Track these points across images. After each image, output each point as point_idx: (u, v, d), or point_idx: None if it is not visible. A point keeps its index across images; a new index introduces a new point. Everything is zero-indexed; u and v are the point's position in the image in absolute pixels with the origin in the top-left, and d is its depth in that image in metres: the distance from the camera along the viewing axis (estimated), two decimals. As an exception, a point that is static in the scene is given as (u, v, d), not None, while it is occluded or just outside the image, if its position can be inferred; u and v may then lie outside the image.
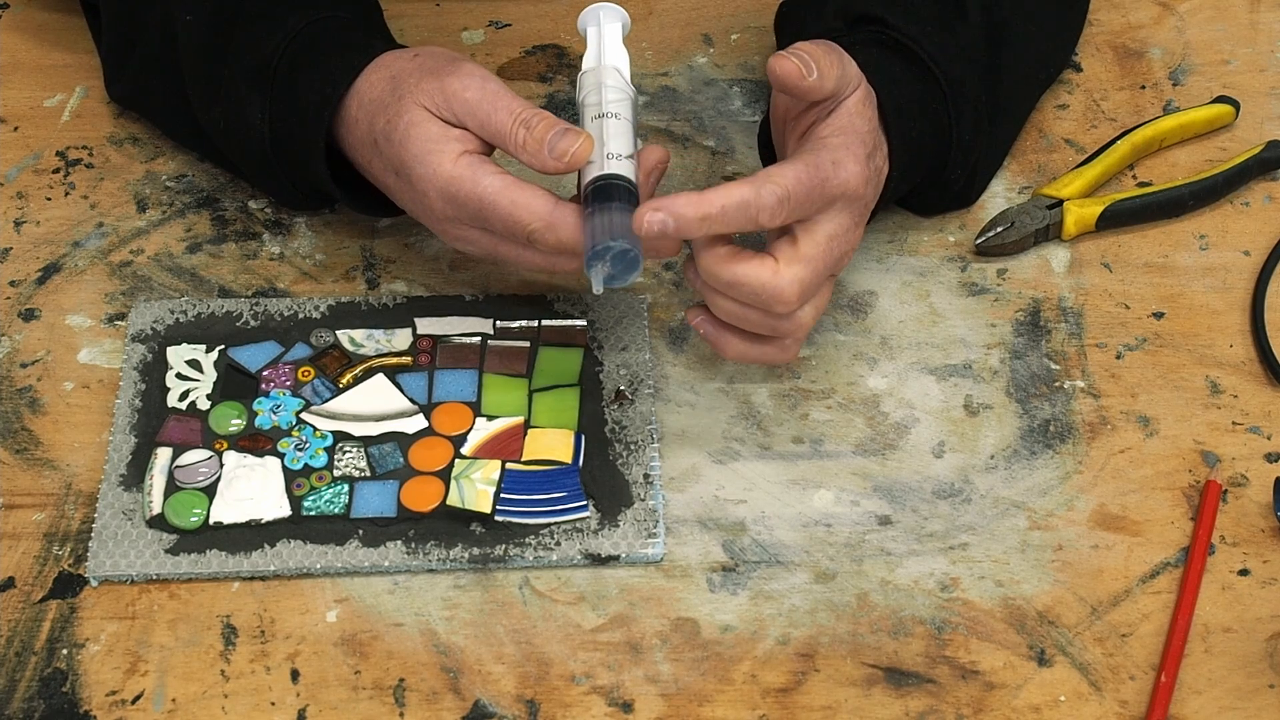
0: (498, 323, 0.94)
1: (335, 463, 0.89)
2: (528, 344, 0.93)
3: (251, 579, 0.86)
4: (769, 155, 0.96)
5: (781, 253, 0.84)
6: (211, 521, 0.86)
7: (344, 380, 0.92)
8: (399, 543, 0.86)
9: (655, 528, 0.87)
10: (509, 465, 0.88)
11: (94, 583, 0.85)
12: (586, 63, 0.88)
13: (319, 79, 0.89)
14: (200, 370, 0.92)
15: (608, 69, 0.87)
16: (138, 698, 0.82)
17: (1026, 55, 0.99)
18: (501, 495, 0.87)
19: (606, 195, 0.83)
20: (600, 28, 0.89)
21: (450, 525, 0.87)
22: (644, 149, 0.86)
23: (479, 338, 0.94)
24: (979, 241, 0.99)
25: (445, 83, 0.86)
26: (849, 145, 0.85)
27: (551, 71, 1.08)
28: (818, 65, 0.83)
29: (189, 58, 0.94)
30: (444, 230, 0.88)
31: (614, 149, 0.84)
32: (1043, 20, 1.01)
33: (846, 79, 0.85)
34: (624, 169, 0.83)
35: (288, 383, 0.92)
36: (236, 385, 0.92)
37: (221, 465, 0.88)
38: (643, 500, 0.88)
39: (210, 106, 0.94)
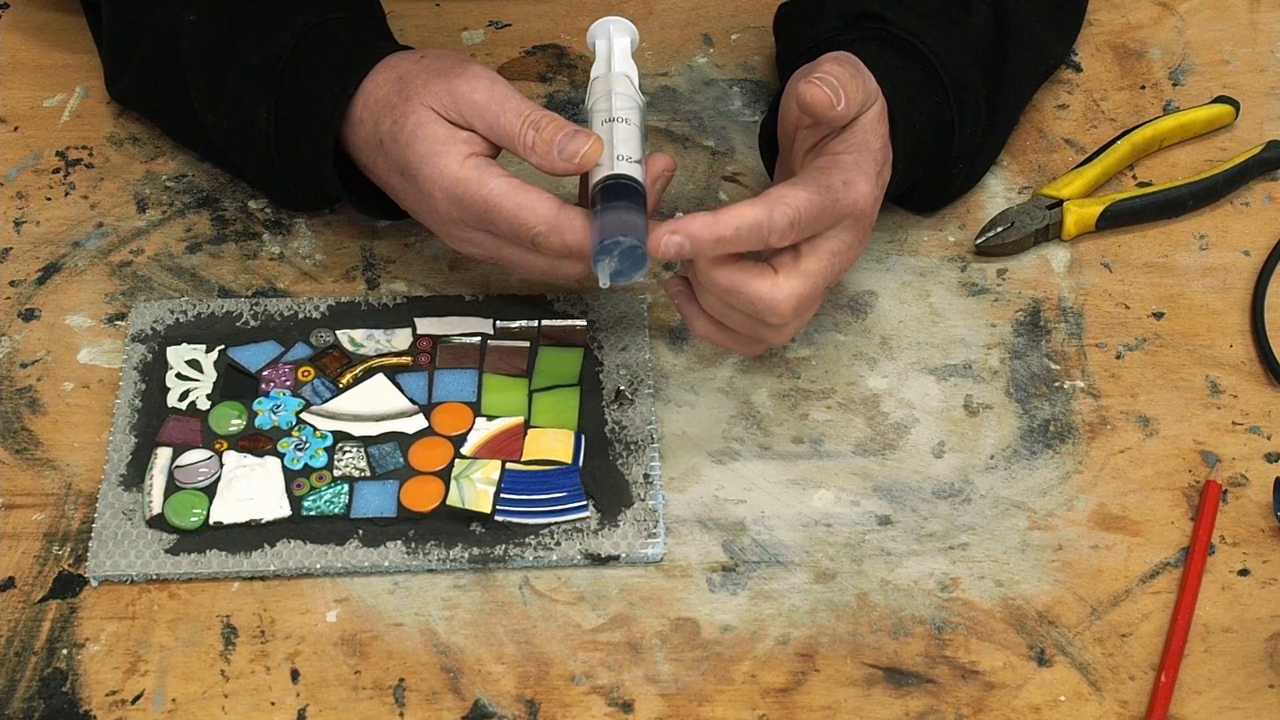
0: (498, 323, 0.94)
1: (335, 463, 0.89)
2: (528, 344, 0.93)
3: (251, 579, 0.86)
4: (770, 155, 0.96)
5: (782, 265, 0.84)
6: (211, 521, 0.86)
7: (344, 380, 0.92)
8: (399, 543, 0.86)
9: (655, 528, 0.87)
10: (509, 465, 0.88)
11: (94, 583, 0.85)
12: (596, 71, 0.89)
13: (327, 79, 0.90)
14: (200, 370, 0.92)
15: (618, 76, 0.88)
16: (138, 698, 0.82)
17: (1030, 45, 1.00)
18: (501, 495, 0.87)
19: (616, 194, 0.83)
20: (610, 40, 0.90)
21: (450, 525, 0.87)
22: (651, 156, 0.87)
23: (479, 338, 0.94)
24: (979, 241, 0.99)
25: (453, 84, 0.86)
26: (861, 164, 0.85)
27: (551, 72, 1.08)
28: (845, 92, 0.83)
29: (192, 57, 0.94)
30: (448, 232, 0.88)
31: (623, 152, 0.85)
32: (1045, 9, 1.02)
33: (868, 98, 0.86)
34: (633, 171, 0.84)
35: (288, 383, 0.92)
36: (236, 385, 0.92)
37: (221, 465, 0.88)
38: (643, 500, 0.88)
39: (213, 107, 0.94)
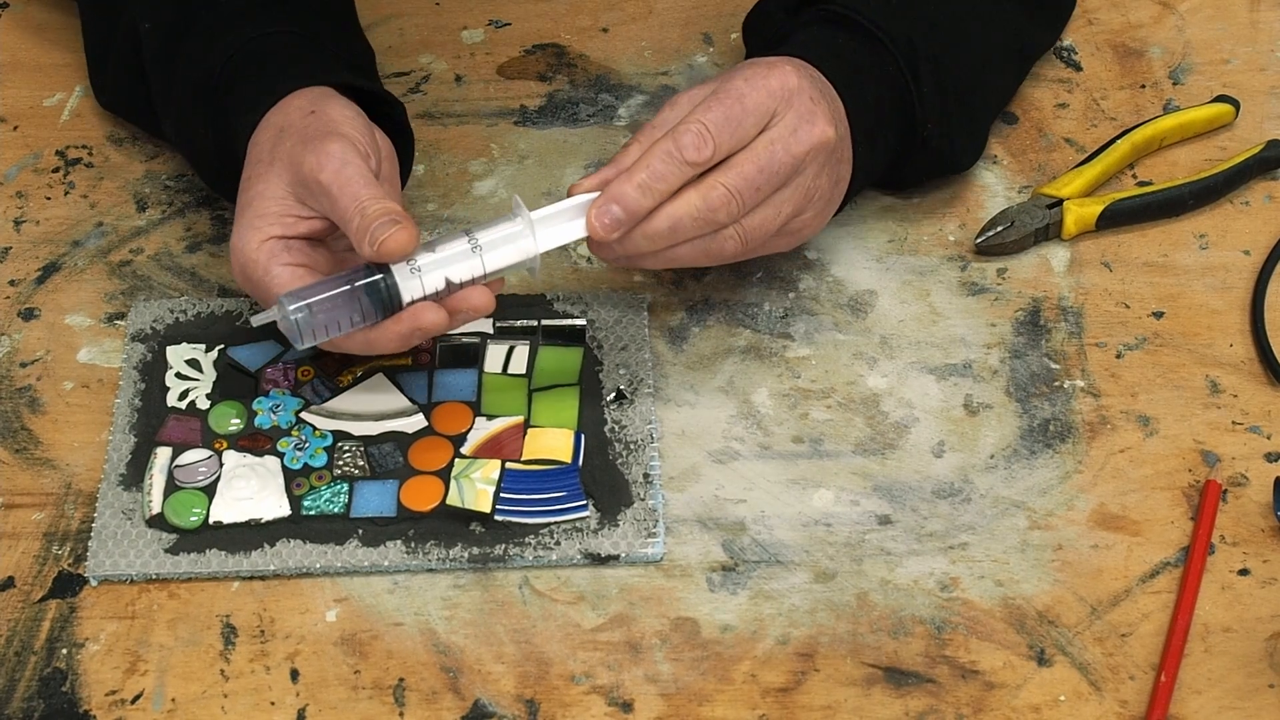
0: (497, 322, 0.94)
1: (335, 462, 0.89)
2: (528, 344, 0.93)
3: (251, 579, 0.86)
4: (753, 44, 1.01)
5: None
6: (211, 521, 0.86)
7: (343, 380, 0.92)
8: (399, 542, 0.86)
9: (655, 527, 0.87)
10: (509, 465, 0.88)
11: (94, 582, 0.85)
12: (525, 213, 0.84)
13: (245, 101, 0.89)
14: (200, 370, 0.92)
15: (536, 221, 0.84)
16: (137, 697, 0.82)
17: (998, 20, 1.00)
18: (501, 495, 0.87)
19: (367, 273, 0.81)
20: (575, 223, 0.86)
21: (450, 525, 0.87)
22: (470, 290, 0.83)
23: (479, 337, 0.94)
24: (979, 241, 0.99)
25: (305, 159, 0.83)
26: (750, 66, 0.88)
27: (551, 71, 1.08)
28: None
29: (150, 66, 0.95)
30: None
31: (430, 261, 0.82)
32: None
33: None
34: (406, 278, 0.81)
35: (287, 382, 0.92)
36: (236, 385, 0.92)
37: (221, 465, 0.88)
38: (642, 500, 0.88)
39: (165, 115, 0.95)
